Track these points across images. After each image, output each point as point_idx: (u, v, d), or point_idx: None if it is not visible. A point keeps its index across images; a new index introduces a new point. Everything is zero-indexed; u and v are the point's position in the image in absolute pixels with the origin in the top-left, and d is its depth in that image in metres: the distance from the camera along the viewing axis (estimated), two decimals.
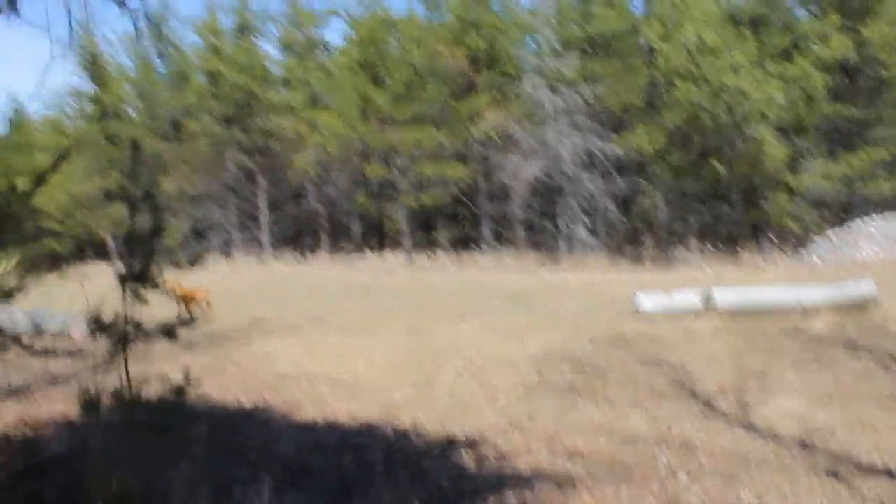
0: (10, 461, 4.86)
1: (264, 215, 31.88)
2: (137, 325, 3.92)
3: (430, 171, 27.75)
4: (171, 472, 4.34)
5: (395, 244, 30.97)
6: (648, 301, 11.20)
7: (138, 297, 4.14)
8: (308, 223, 34.38)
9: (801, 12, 26.30)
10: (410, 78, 28.36)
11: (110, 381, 4.05)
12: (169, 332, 4.00)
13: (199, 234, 32.52)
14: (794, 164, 23.93)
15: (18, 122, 36.82)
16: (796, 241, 22.95)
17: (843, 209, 23.85)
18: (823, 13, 24.65)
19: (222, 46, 32.20)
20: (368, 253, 28.86)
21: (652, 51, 24.98)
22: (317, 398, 7.36)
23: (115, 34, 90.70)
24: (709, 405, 6.69)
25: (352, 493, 4.72)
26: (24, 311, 9.52)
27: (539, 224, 28.24)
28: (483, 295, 15.66)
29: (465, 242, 29.10)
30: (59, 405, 6.67)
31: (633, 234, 28.38)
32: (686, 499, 4.58)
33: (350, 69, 29.62)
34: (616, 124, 26.75)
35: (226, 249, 31.40)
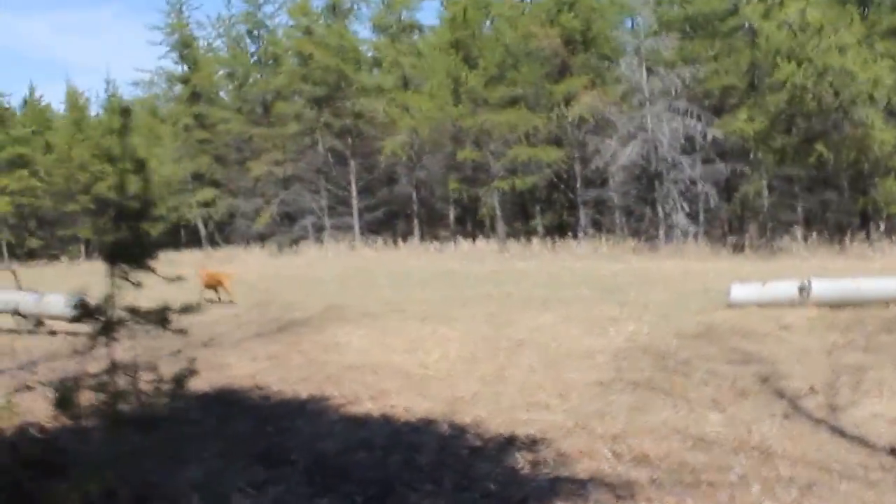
0: None
1: (355, 200, 31.81)
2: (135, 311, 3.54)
3: (524, 155, 27.08)
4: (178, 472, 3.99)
5: (489, 230, 30.43)
6: (742, 291, 10.74)
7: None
8: (400, 208, 34.22)
9: None
10: (503, 59, 27.78)
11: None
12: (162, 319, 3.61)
13: (290, 217, 32.81)
14: None
15: (113, 105, 37.83)
16: None
17: None
18: None
19: (314, 28, 32.25)
20: (461, 239, 28.39)
21: (753, 31, 23.91)
22: (378, 391, 7.03)
23: (207, 16, 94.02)
24: (795, 406, 6.09)
25: (386, 501, 4.24)
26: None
27: (638, 211, 27.31)
28: (572, 283, 15.20)
29: (561, 229, 28.25)
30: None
31: (736, 222, 27.29)
32: None
33: (442, 50, 29.15)
34: (717, 107, 25.85)
35: (317, 235, 31.58)
